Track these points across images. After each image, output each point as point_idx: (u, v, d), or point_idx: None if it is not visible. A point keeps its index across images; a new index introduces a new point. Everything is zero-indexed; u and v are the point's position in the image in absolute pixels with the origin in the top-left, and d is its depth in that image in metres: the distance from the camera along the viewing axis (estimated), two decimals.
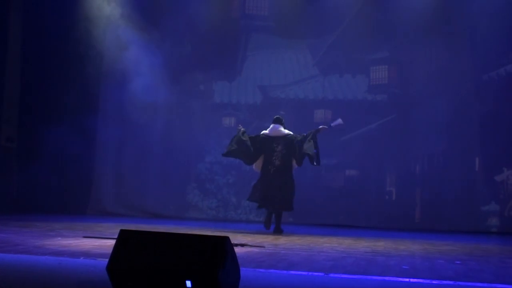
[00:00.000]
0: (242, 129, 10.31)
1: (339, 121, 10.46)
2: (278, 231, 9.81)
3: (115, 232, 4.66)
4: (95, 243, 7.35)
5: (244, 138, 10.08)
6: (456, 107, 12.59)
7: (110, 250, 4.41)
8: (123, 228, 4.51)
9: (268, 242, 8.20)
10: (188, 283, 4.08)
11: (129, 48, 12.79)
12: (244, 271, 4.49)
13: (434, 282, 5.31)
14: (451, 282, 5.30)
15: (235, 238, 8.30)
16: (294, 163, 10.03)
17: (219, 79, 13.78)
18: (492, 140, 12.28)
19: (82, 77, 13.16)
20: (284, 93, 13.55)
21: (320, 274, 5.54)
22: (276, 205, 9.89)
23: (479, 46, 12.35)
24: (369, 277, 5.46)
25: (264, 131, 10.31)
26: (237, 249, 5.02)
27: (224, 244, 4.17)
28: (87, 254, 6.20)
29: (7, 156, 13.31)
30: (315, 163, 9.88)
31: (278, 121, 10.29)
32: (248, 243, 7.67)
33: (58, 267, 5.44)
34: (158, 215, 13.06)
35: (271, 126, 10.28)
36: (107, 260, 4.34)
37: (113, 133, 13.46)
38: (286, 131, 10.20)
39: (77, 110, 13.02)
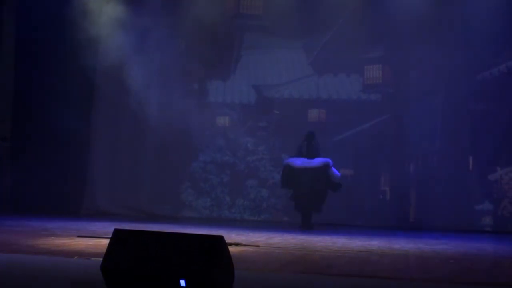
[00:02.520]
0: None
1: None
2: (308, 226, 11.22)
3: (109, 231, 4.66)
4: (89, 242, 7.34)
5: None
6: (450, 106, 12.59)
7: (104, 250, 4.40)
8: (117, 227, 4.51)
9: (262, 241, 8.20)
10: (182, 283, 4.08)
11: (122, 48, 12.75)
12: (238, 270, 4.49)
13: (428, 281, 5.32)
14: (445, 282, 5.31)
15: (229, 237, 8.29)
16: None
17: (213, 78, 13.75)
18: (486, 140, 12.29)
19: (74, 79, 13.10)
20: (279, 93, 13.55)
21: (314, 273, 5.54)
22: (307, 206, 11.38)
23: (473, 45, 12.35)
24: (363, 276, 5.47)
25: (302, 147, 11.50)
26: (231, 248, 5.02)
27: (218, 244, 4.17)
28: (81, 254, 6.19)
29: (1, 156, 13.26)
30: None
31: (312, 137, 11.52)
32: (242, 243, 7.67)
33: (52, 267, 5.43)
34: (152, 214, 13.03)
35: (306, 142, 11.50)
36: (101, 259, 4.33)
37: (106, 133, 13.44)
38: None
39: (70, 110, 12.96)
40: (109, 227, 8.40)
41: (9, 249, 6.38)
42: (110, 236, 4.42)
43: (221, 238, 4.22)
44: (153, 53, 13.01)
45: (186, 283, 4.07)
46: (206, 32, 13.01)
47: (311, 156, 11.45)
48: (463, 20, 12.34)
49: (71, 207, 12.95)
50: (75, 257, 5.96)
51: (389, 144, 12.73)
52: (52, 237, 7.79)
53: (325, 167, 11.30)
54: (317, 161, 11.35)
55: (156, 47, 13.04)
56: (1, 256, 5.88)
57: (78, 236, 7.96)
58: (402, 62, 12.81)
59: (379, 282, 5.21)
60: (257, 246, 7.55)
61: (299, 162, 11.39)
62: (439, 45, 12.53)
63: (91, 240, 7.57)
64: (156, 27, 12.85)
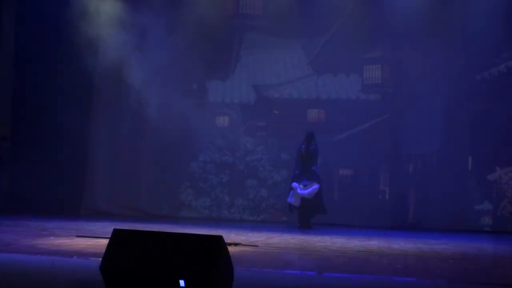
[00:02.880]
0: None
1: None
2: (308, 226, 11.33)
3: (108, 231, 4.66)
4: (88, 242, 7.34)
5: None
6: (449, 106, 12.60)
7: (103, 250, 4.40)
8: (117, 227, 4.50)
9: (261, 241, 8.20)
10: (182, 283, 4.07)
11: (122, 48, 12.75)
12: (238, 270, 4.49)
13: (427, 281, 5.32)
14: (444, 281, 5.31)
15: (228, 237, 8.29)
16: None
17: (213, 78, 13.75)
18: (485, 140, 12.29)
19: (74, 79, 13.09)
20: (278, 93, 13.55)
21: (313, 273, 5.55)
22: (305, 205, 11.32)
23: (472, 46, 12.36)
24: (362, 276, 5.47)
25: (301, 147, 11.50)
26: (230, 248, 5.02)
27: (217, 244, 4.16)
28: (80, 254, 6.19)
29: (1, 156, 13.25)
30: None
31: (311, 138, 11.50)
32: (241, 242, 7.67)
33: (51, 267, 5.43)
34: (152, 214, 13.04)
35: (305, 143, 11.47)
36: (100, 259, 4.33)
37: (106, 133, 13.43)
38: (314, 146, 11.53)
39: (70, 110, 12.97)
40: (109, 227, 8.41)
41: (8, 249, 6.38)
42: (109, 236, 4.42)
43: (220, 238, 4.22)
44: (153, 53, 13.00)
45: (185, 283, 4.06)
46: (206, 32, 13.00)
47: (309, 157, 11.42)
48: (463, 20, 12.34)
49: (70, 207, 12.95)
50: (74, 257, 5.95)
51: (389, 144, 12.73)
52: (52, 237, 7.79)
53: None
54: (312, 192, 11.33)
55: (155, 47, 13.03)
56: (1, 256, 5.87)
57: (78, 236, 7.96)
58: (402, 62, 12.81)
59: (378, 282, 5.21)
60: (256, 246, 7.55)
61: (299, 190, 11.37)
62: (439, 45, 12.53)
63: (90, 240, 7.57)
64: (156, 27, 12.84)
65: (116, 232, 4.40)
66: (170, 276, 4.10)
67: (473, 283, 5.28)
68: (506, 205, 12.19)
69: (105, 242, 4.82)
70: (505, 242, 10.19)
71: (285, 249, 7.48)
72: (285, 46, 13.53)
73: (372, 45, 13.00)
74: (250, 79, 13.66)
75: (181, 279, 4.08)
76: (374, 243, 8.56)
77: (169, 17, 12.91)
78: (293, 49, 13.54)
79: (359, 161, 12.91)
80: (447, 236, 10.42)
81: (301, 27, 13.15)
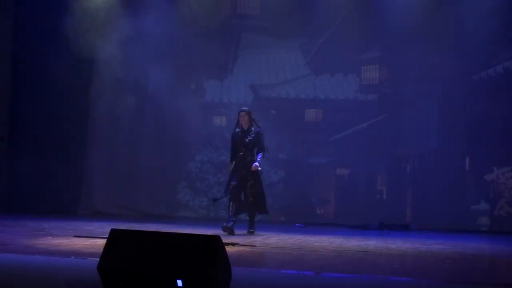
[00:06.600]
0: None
1: None
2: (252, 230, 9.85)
3: (106, 231, 4.66)
4: (85, 242, 7.34)
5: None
6: (447, 107, 12.61)
7: (101, 250, 4.40)
8: (114, 227, 4.50)
9: (259, 241, 8.21)
10: (179, 282, 4.08)
11: (119, 47, 12.74)
12: (235, 270, 4.49)
13: (424, 281, 5.33)
14: (441, 281, 5.32)
15: (226, 237, 8.30)
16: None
17: (211, 78, 13.75)
18: (482, 140, 12.31)
19: (72, 77, 13.08)
20: (276, 93, 13.55)
21: (311, 273, 5.55)
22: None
23: (469, 46, 12.37)
24: (359, 276, 5.48)
25: (236, 130, 10.21)
26: (228, 248, 5.02)
27: (215, 243, 4.17)
28: (77, 254, 6.18)
29: None
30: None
31: (251, 116, 10.16)
32: (239, 242, 7.67)
33: (48, 267, 5.42)
34: (149, 214, 13.03)
35: (245, 124, 10.21)
36: (97, 259, 4.33)
37: (103, 132, 13.43)
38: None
39: (68, 109, 12.98)
40: (106, 227, 8.40)
41: (5, 248, 6.37)
42: (106, 236, 4.42)
43: (218, 238, 4.22)
44: (151, 52, 13.00)
45: (183, 283, 4.07)
46: (204, 32, 13.01)
47: (253, 143, 10.28)
48: (460, 20, 12.37)
49: (68, 207, 12.95)
50: (72, 257, 5.95)
51: (386, 144, 12.75)
52: (49, 237, 7.79)
53: None
54: None
55: (153, 46, 13.04)
56: None
57: (75, 236, 7.95)
58: (399, 63, 12.82)
59: (376, 282, 5.22)
60: (254, 246, 7.56)
61: None
62: (436, 45, 12.55)
63: (87, 240, 7.56)
64: (154, 26, 12.83)
65: (113, 232, 4.40)
66: (168, 276, 4.10)
67: (470, 283, 5.28)
68: (503, 205, 12.21)
69: (102, 242, 4.82)
70: (502, 242, 10.20)
71: (283, 249, 7.48)
72: (283, 46, 13.53)
73: (370, 46, 13.02)
74: (248, 79, 13.66)
75: (179, 279, 4.08)
76: (371, 243, 8.57)
77: (167, 17, 12.90)
78: (290, 49, 13.54)
79: (357, 161, 12.92)
80: (444, 236, 10.43)
81: (299, 27, 13.16)
